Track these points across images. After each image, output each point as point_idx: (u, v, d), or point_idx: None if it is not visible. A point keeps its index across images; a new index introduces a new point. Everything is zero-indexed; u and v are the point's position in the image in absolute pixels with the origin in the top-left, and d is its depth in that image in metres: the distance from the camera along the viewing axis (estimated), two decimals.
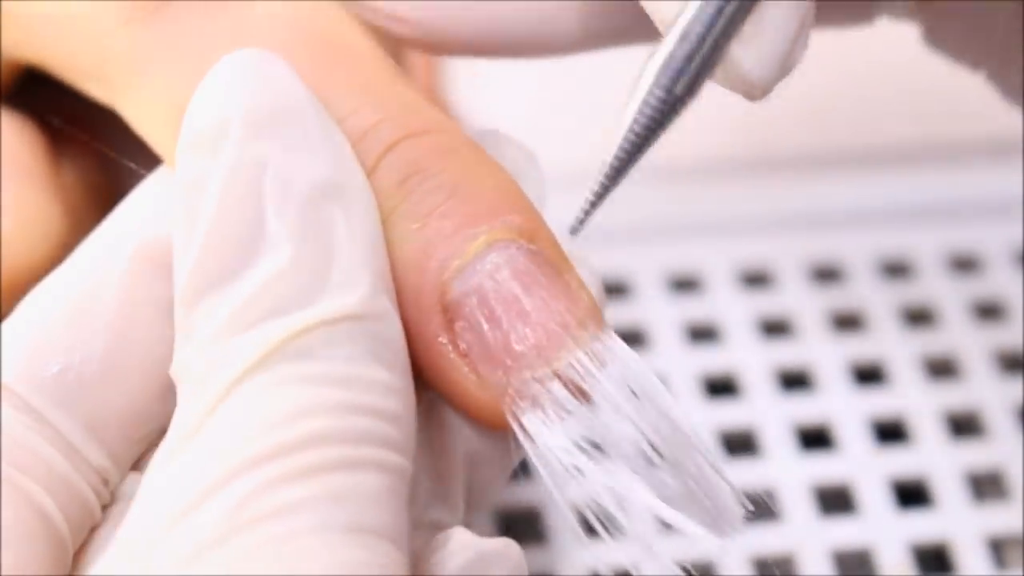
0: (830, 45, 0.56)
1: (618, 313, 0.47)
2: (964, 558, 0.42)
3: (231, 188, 0.27)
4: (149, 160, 0.31)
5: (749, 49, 0.28)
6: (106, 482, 0.29)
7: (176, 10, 0.30)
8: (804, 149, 0.52)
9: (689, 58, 0.27)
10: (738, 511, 0.28)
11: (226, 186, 0.27)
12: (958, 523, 0.43)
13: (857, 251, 0.49)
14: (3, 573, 0.26)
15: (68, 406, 0.28)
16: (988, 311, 0.48)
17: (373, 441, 0.26)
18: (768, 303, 0.48)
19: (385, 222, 0.29)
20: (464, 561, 0.27)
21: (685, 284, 0.48)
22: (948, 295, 0.48)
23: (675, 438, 0.28)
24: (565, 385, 0.28)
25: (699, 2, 0.27)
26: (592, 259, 0.31)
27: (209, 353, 0.27)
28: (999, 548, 0.43)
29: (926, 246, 0.49)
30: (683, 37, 0.27)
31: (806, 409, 0.45)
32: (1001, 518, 0.43)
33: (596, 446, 0.28)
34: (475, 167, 0.30)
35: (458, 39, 0.33)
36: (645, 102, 0.28)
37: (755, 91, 0.29)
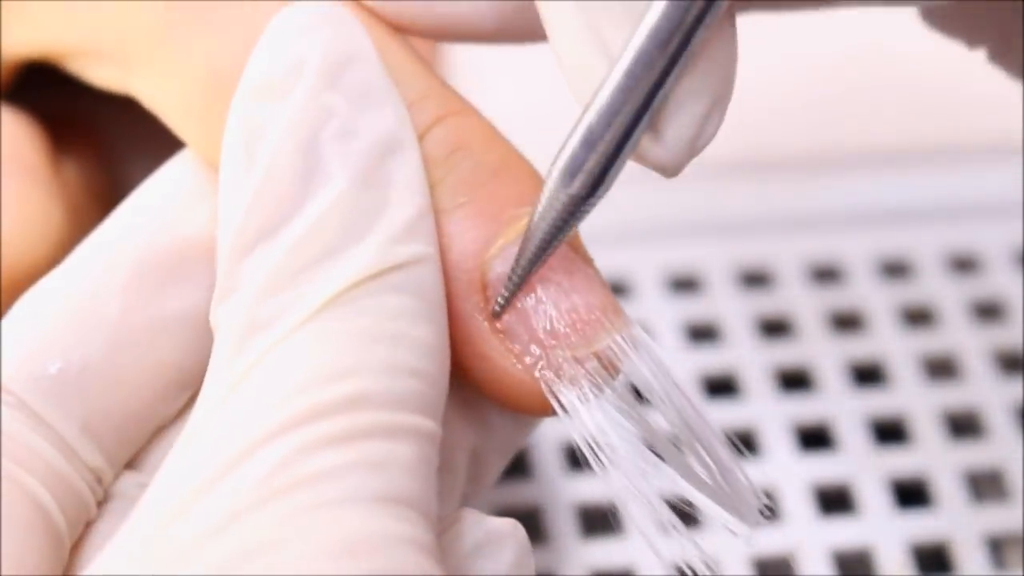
0: (830, 45, 0.56)
1: None
2: (964, 558, 0.42)
3: (297, 132, 0.27)
4: (148, 159, 0.31)
5: (657, 139, 0.28)
6: (100, 480, 0.29)
7: None
8: (804, 149, 0.52)
9: (595, 164, 0.27)
10: (756, 504, 0.29)
11: (292, 130, 0.27)
12: (958, 523, 0.43)
13: (857, 251, 0.49)
14: (2, 566, 0.26)
15: (65, 406, 0.28)
16: (988, 311, 0.48)
17: (411, 405, 0.26)
18: (768, 303, 0.48)
19: (431, 191, 0.29)
20: (474, 541, 0.27)
21: (685, 284, 0.48)
22: (948, 295, 0.48)
23: (701, 427, 0.28)
24: (603, 365, 0.28)
25: (599, 105, 0.27)
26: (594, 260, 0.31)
27: (255, 304, 0.26)
28: (999, 548, 0.43)
29: (926, 246, 0.49)
30: (586, 141, 0.27)
31: (806, 409, 0.45)
32: (1001, 518, 0.43)
33: (630, 427, 0.28)
34: (509, 153, 0.30)
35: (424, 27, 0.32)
36: (550, 206, 0.28)
37: (666, 174, 0.29)
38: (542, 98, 0.54)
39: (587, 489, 0.43)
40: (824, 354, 0.46)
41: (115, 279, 0.29)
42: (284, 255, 0.27)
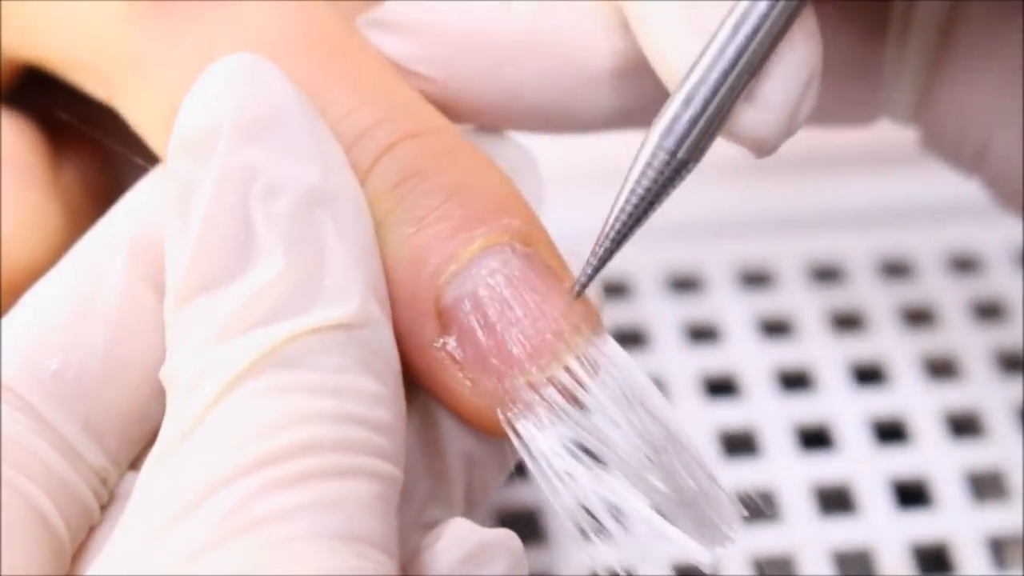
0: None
1: (618, 313, 0.47)
2: (964, 558, 0.42)
3: (221, 194, 0.27)
4: (148, 160, 0.31)
5: (756, 109, 0.28)
6: (104, 481, 0.29)
7: (173, 9, 0.30)
8: (804, 149, 0.52)
9: (693, 122, 0.27)
10: (734, 515, 0.28)
11: (216, 192, 0.27)
12: (958, 523, 0.43)
13: (857, 251, 0.49)
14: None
15: (66, 405, 0.28)
16: (988, 311, 0.48)
17: (363, 450, 0.26)
18: (768, 303, 0.48)
19: (380, 226, 0.29)
20: (465, 552, 0.27)
21: (685, 284, 0.48)
22: (948, 295, 0.48)
23: (668, 443, 0.28)
24: (558, 391, 0.28)
25: (704, 65, 0.27)
26: None
27: (198, 358, 0.27)
28: (999, 548, 0.43)
29: (926, 246, 0.49)
30: (687, 100, 0.27)
31: (806, 409, 0.45)
32: (1001, 518, 0.43)
33: (589, 452, 0.28)
34: (472, 169, 0.29)
35: (482, 103, 0.32)
36: (648, 164, 0.28)
37: (764, 149, 0.29)
38: None
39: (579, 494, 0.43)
40: (824, 354, 0.46)
41: (112, 275, 0.29)
42: (224, 314, 0.27)
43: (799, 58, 0.28)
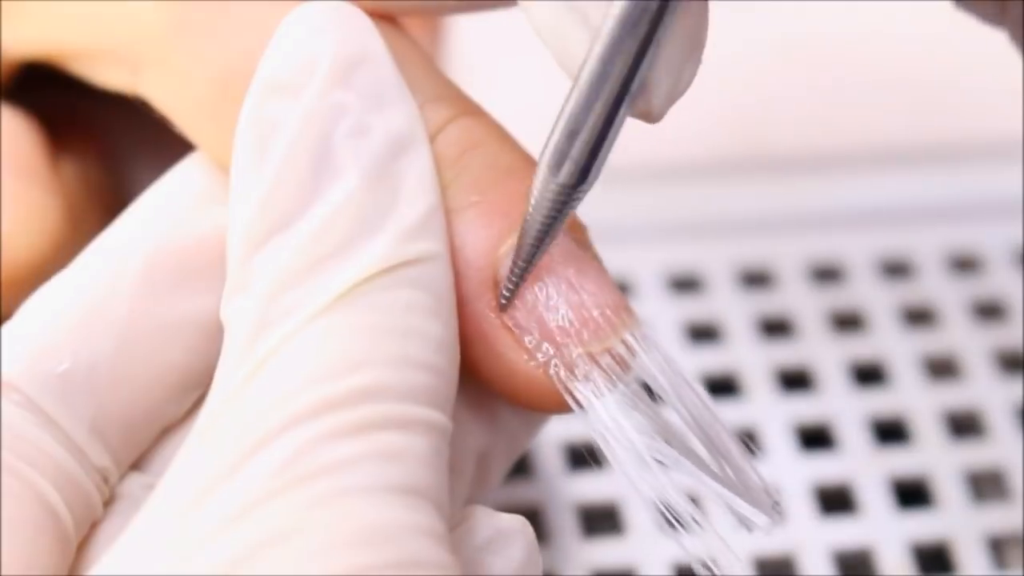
0: (831, 46, 0.56)
1: None
2: (964, 558, 0.42)
3: (307, 129, 0.27)
4: (148, 159, 0.31)
5: (641, 96, 0.27)
6: (106, 480, 0.29)
7: None
8: (804, 149, 0.52)
9: (579, 149, 0.27)
10: (768, 501, 0.29)
11: (303, 127, 0.27)
12: (958, 523, 0.43)
13: (857, 251, 0.49)
14: (9, 565, 0.26)
15: (74, 405, 0.28)
16: (988, 311, 0.48)
17: (423, 398, 0.26)
18: (768, 303, 0.48)
19: (443, 191, 0.29)
20: (484, 537, 0.27)
21: (685, 284, 0.48)
22: (948, 295, 0.48)
23: (713, 425, 0.29)
24: (616, 362, 0.28)
25: (579, 93, 0.27)
26: None
27: (267, 300, 0.26)
28: (999, 548, 0.43)
29: (926, 246, 0.49)
30: (568, 131, 0.27)
31: (806, 409, 0.45)
32: (1001, 518, 0.43)
33: (645, 423, 0.28)
34: (524, 153, 0.30)
35: None
36: (541, 197, 0.28)
37: (650, 121, 0.29)
38: (542, 96, 0.54)
39: (587, 489, 0.43)
40: (825, 354, 0.46)
41: (125, 279, 0.29)
42: (296, 251, 0.27)
43: (682, 42, 0.27)
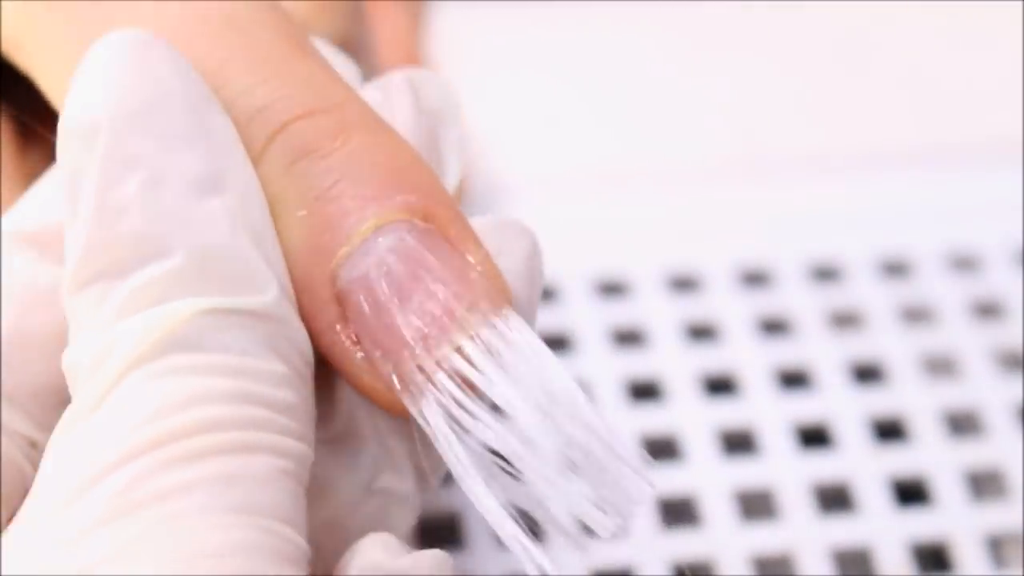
0: (830, 46, 0.56)
1: (618, 312, 0.47)
2: (963, 557, 0.42)
3: (106, 185, 0.27)
4: None
5: None
6: (34, 445, 0.28)
7: None
8: (804, 149, 0.52)
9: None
10: (640, 485, 0.27)
11: (101, 183, 0.27)
12: (957, 522, 0.43)
13: (857, 250, 0.49)
14: None
15: None
16: (987, 310, 0.48)
17: (265, 428, 0.26)
18: (767, 302, 0.48)
19: (274, 209, 0.28)
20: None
21: (685, 284, 0.48)
22: (947, 294, 0.48)
23: (565, 411, 0.27)
24: (447, 374, 0.27)
25: None
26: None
27: (96, 342, 0.26)
28: (998, 547, 0.43)
29: (926, 246, 0.49)
30: None
31: (805, 408, 0.45)
32: (1000, 517, 0.43)
33: (476, 436, 0.27)
34: (370, 146, 0.28)
35: None
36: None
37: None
38: (540, 104, 0.54)
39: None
40: (824, 353, 0.46)
41: (19, 257, 0.29)
42: (122, 300, 0.26)
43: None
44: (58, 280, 0.28)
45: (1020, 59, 0.53)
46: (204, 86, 0.28)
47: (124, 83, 0.27)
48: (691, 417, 0.45)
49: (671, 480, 0.43)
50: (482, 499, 0.27)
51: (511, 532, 0.27)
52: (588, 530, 0.27)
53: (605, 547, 0.42)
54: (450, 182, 0.31)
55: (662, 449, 0.44)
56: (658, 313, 0.47)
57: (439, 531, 0.42)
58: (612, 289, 0.48)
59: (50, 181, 0.31)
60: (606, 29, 0.55)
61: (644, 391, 0.45)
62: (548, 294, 0.47)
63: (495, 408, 0.27)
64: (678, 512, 0.43)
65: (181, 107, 0.27)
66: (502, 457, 0.27)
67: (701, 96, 0.54)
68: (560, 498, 0.26)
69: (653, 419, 0.45)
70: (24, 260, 0.29)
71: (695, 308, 0.47)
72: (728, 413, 0.45)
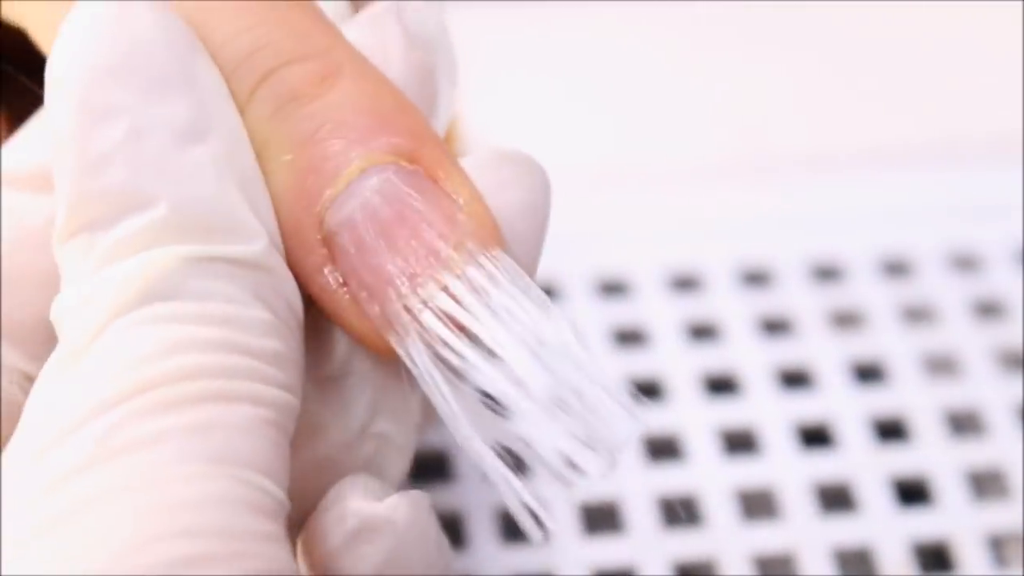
0: (830, 46, 0.56)
1: (618, 312, 0.47)
2: (964, 556, 0.42)
3: (90, 138, 0.27)
4: None
5: None
6: (30, 378, 0.29)
7: None
8: (804, 149, 0.52)
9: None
10: (630, 424, 0.27)
11: (84, 137, 0.27)
12: (958, 521, 0.43)
13: (857, 250, 0.49)
14: None
15: None
16: (988, 310, 0.48)
17: (249, 377, 0.26)
18: (768, 302, 0.48)
19: (260, 156, 0.28)
20: (344, 535, 0.27)
21: (685, 283, 0.48)
22: (948, 294, 0.48)
23: (554, 350, 0.27)
24: (433, 312, 0.27)
25: None
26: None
27: (82, 290, 0.26)
28: (999, 546, 0.43)
29: (926, 245, 0.49)
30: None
31: (806, 407, 0.45)
32: (1001, 516, 0.43)
33: (464, 376, 0.27)
34: (356, 90, 0.28)
35: None
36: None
37: None
38: (544, 102, 0.54)
39: (588, 488, 0.43)
40: (824, 353, 0.46)
41: (11, 188, 0.29)
42: (108, 248, 0.26)
43: None
44: (51, 219, 0.28)
45: (1020, 59, 0.54)
46: (190, 35, 0.28)
47: (106, 33, 0.27)
48: (692, 416, 0.45)
49: (672, 479, 0.43)
50: (467, 436, 0.27)
51: (496, 467, 0.26)
52: (577, 468, 0.26)
53: (606, 547, 0.42)
54: (443, 115, 0.31)
55: (663, 448, 0.44)
56: (658, 313, 0.47)
57: (428, 467, 0.42)
58: (612, 288, 0.48)
59: (41, 122, 0.31)
60: (606, 29, 0.55)
61: (645, 390, 0.45)
62: (548, 294, 0.47)
63: (484, 349, 0.27)
64: (679, 511, 0.43)
65: (165, 57, 0.27)
66: (490, 396, 0.27)
67: (701, 96, 0.54)
68: (549, 436, 0.26)
69: (654, 419, 0.45)
70: (17, 200, 0.29)
71: (696, 308, 0.47)
72: (729, 413, 0.45)
